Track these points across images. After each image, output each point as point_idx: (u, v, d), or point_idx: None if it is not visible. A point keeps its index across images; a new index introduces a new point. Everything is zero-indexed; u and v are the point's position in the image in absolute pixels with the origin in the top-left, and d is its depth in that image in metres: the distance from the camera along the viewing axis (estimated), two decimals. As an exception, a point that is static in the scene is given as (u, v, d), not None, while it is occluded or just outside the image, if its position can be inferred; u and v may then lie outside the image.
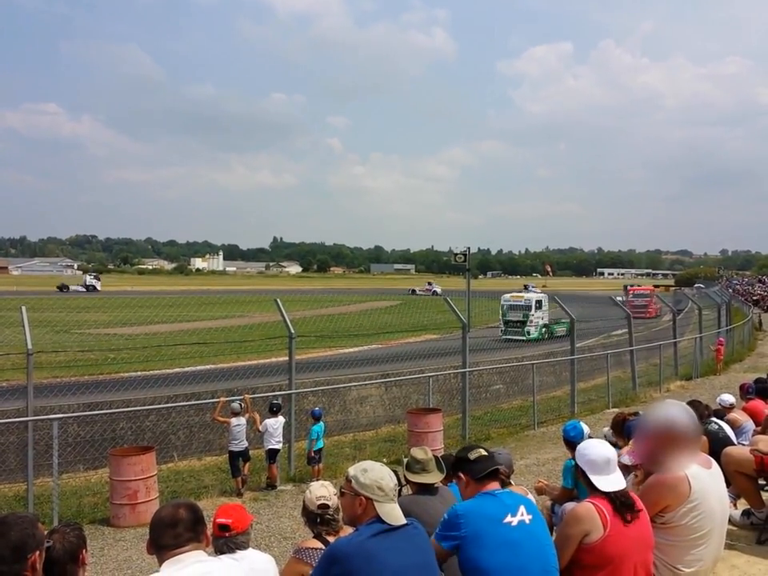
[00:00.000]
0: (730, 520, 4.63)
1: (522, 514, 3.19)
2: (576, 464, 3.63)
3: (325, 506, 3.41)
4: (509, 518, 3.14)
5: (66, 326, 26.71)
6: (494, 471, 3.39)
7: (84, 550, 3.14)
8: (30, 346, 8.90)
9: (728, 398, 7.78)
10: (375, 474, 3.02)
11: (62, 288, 75.84)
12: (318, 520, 3.43)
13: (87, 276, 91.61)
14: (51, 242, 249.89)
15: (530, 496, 4.33)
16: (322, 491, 3.48)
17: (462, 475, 3.45)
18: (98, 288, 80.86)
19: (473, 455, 3.44)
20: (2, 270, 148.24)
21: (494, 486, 3.37)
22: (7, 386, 16.41)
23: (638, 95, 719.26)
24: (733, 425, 6.83)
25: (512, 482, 4.42)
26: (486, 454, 3.48)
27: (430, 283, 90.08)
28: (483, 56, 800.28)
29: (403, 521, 2.94)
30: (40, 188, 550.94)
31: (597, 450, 3.54)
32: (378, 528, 2.85)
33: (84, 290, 77.91)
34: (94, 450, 11.88)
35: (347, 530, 3.33)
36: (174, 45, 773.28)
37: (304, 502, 3.49)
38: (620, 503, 3.33)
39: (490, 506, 3.19)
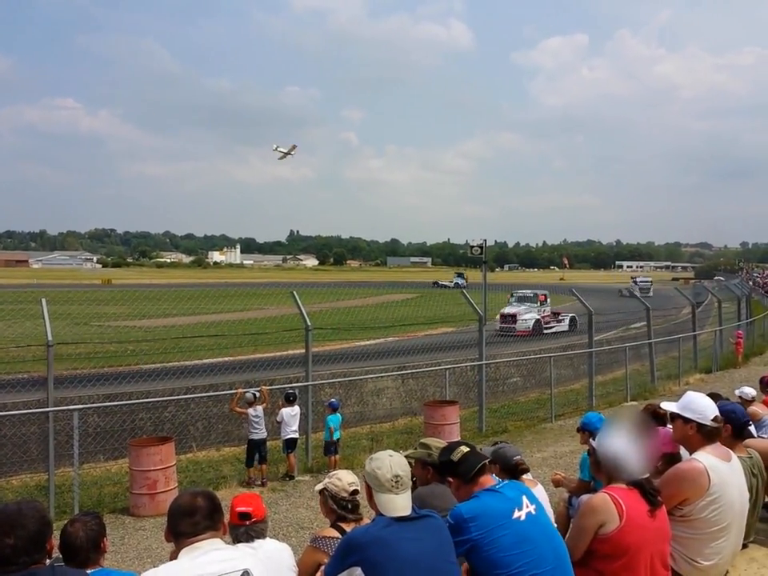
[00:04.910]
0: (749, 513, 4.60)
1: (527, 506, 3.09)
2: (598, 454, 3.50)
3: (356, 492, 3.43)
4: (516, 513, 3.02)
5: (85, 319, 26.93)
6: (482, 467, 3.21)
7: (104, 538, 3.20)
8: (50, 338, 9.02)
9: (749, 391, 7.68)
10: (376, 462, 2.95)
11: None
12: (349, 506, 3.44)
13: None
14: (71, 235, 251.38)
15: (539, 487, 4.30)
16: (352, 478, 3.50)
17: (450, 479, 3.32)
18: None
19: (456, 456, 3.23)
20: (22, 263, 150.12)
21: (488, 481, 3.22)
22: (28, 377, 16.54)
23: (655, 86, 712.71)
24: (753, 418, 6.76)
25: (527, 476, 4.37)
26: (468, 450, 3.28)
27: None
28: (499, 47, 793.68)
29: (403, 513, 2.84)
30: (59, 182, 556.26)
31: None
32: (393, 518, 2.83)
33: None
34: (114, 441, 11.99)
35: (367, 520, 3.33)
36: (190, 38, 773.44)
37: (331, 490, 3.47)
38: (648, 491, 3.29)
39: (495, 504, 3.03)
